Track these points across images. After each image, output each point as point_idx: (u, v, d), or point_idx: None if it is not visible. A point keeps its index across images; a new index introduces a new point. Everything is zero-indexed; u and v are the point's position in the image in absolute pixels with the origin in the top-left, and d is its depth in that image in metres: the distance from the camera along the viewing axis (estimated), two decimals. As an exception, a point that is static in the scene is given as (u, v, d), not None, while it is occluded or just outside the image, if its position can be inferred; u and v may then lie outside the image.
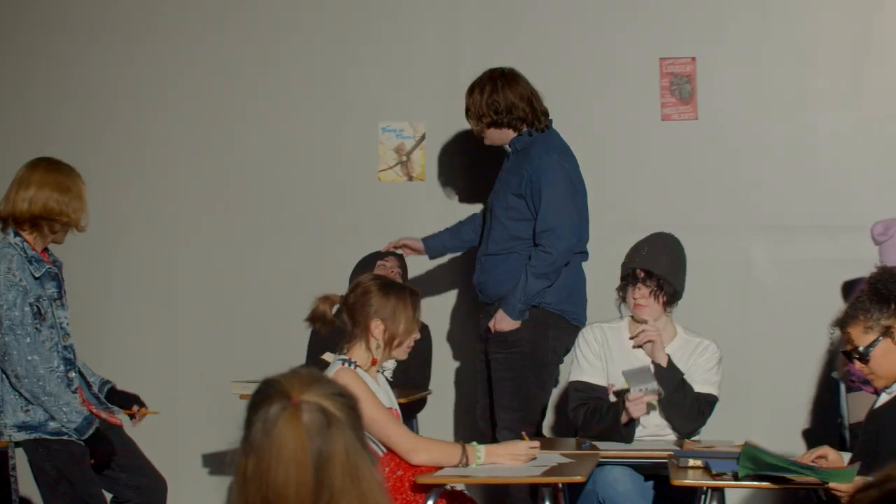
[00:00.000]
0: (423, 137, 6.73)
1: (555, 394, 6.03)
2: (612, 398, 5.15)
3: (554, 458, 4.62)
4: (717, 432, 5.25)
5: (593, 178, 6.01)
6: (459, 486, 4.76)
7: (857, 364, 4.37)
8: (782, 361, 6.39)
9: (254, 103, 6.85)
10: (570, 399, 5.27)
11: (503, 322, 5.68)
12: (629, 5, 6.57)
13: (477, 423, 5.97)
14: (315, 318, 4.61)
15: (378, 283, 4.56)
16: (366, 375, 4.49)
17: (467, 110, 5.87)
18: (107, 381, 5.23)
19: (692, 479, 4.31)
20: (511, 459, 4.47)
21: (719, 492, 4.39)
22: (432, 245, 6.18)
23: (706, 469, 4.32)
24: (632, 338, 5.22)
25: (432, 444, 4.54)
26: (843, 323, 4.37)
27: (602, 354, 5.25)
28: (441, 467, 4.42)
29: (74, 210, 4.98)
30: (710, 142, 6.50)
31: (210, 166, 6.88)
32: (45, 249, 5.02)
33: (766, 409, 6.36)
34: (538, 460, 4.52)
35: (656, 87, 6.53)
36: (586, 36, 6.59)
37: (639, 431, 5.13)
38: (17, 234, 4.93)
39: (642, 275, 5.17)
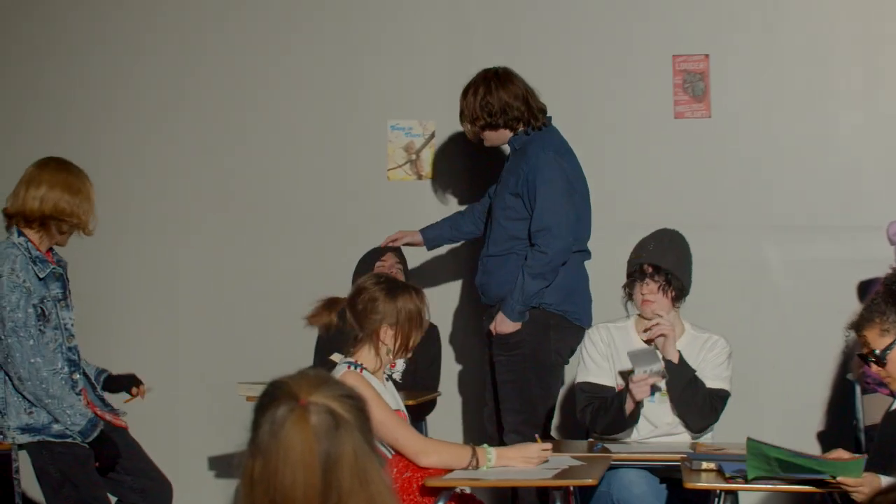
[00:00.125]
0: (432, 136, 6.69)
1: (562, 395, 5.98)
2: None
3: (565, 460, 4.57)
4: (728, 433, 5.21)
5: (606, 177, 5.98)
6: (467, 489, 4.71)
7: (874, 367, 4.33)
8: (794, 362, 6.37)
9: (261, 102, 6.83)
10: (578, 401, 5.22)
11: (503, 324, 5.62)
12: (642, 2, 6.55)
13: (485, 426, 5.92)
14: (317, 321, 4.55)
15: (383, 288, 4.48)
16: (372, 378, 4.44)
17: (461, 113, 5.81)
18: (103, 370, 5.19)
19: (705, 482, 4.27)
20: (523, 462, 4.40)
21: (733, 494, 4.39)
22: (430, 236, 6.14)
23: (719, 471, 4.28)
24: (645, 330, 5.15)
25: (441, 446, 4.49)
26: (858, 326, 4.33)
27: (609, 355, 5.19)
28: (450, 470, 4.37)
29: (84, 212, 4.95)
30: (724, 140, 6.48)
31: (215, 166, 6.87)
32: (50, 249, 4.98)
33: (777, 410, 6.33)
34: (549, 463, 4.46)
35: (669, 85, 6.50)
36: (598, 33, 6.57)
37: (651, 430, 5.09)
38: (21, 234, 4.89)
39: (650, 270, 5.12)
